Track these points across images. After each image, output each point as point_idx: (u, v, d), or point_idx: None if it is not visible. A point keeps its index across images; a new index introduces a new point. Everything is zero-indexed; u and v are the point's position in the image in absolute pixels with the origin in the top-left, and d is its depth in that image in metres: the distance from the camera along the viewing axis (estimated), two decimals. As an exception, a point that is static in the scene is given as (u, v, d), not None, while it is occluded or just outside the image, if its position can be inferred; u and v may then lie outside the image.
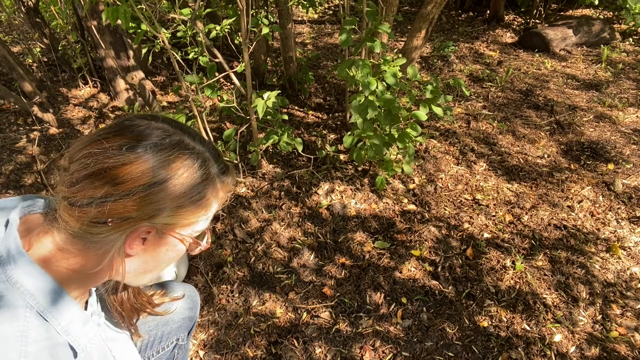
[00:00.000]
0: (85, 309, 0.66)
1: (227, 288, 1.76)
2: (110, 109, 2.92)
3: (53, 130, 2.69)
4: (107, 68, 2.80)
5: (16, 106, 2.86)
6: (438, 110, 2.00)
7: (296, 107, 2.99)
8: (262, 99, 1.85)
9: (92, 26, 2.56)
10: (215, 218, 2.07)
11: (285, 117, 2.12)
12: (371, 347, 1.52)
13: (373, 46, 1.85)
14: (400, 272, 1.79)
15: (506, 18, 4.62)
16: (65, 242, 0.55)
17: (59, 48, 3.09)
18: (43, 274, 0.53)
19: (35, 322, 0.51)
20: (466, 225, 2.04)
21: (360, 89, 1.86)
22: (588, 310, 1.65)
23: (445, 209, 2.14)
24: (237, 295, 1.74)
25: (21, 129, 2.76)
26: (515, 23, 4.55)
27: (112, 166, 0.51)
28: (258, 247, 1.93)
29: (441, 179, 2.34)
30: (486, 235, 1.98)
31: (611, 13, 4.56)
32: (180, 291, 0.98)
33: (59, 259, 0.55)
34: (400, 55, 2.00)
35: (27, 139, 2.66)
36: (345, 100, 2.77)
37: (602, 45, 3.94)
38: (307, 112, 2.95)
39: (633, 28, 4.18)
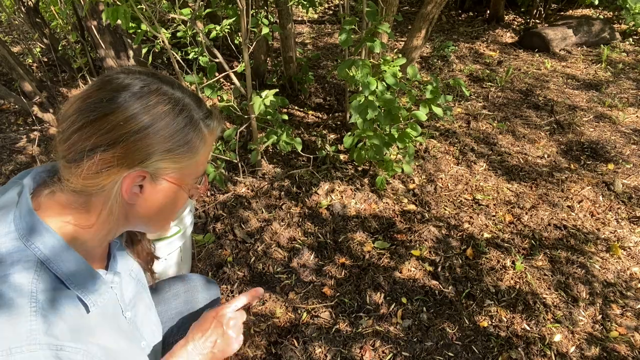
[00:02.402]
0: (106, 268, 0.70)
1: (227, 288, 1.76)
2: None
3: (53, 130, 2.69)
4: (107, 68, 2.80)
5: (16, 106, 2.86)
6: (438, 111, 2.00)
7: (296, 107, 2.99)
8: (261, 97, 1.85)
9: (92, 26, 2.56)
10: (215, 218, 2.07)
11: (285, 117, 2.12)
12: (371, 347, 1.52)
13: (373, 46, 1.85)
14: (400, 272, 1.79)
15: (506, 18, 4.62)
16: (68, 199, 0.59)
17: (59, 48, 3.09)
18: (50, 231, 0.57)
19: (44, 275, 0.55)
20: (466, 225, 2.04)
21: (360, 89, 1.86)
22: (588, 310, 1.65)
23: (445, 209, 2.14)
24: (237, 295, 1.74)
25: (21, 129, 2.76)
26: (515, 23, 4.55)
27: (95, 118, 0.55)
28: (258, 247, 1.93)
29: (441, 179, 2.34)
30: (486, 235, 1.98)
31: (611, 13, 4.56)
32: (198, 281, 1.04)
33: (65, 217, 0.59)
34: (400, 55, 2.00)
35: (27, 139, 2.66)
36: (345, 100, 2.77)
37: (602, 45, 3.94)
38: (307, 112, 2.95)
39: (633, 28, 4.18)
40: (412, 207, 2.16)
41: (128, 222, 0.64)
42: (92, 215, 0.60)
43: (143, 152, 0.57)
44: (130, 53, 2.78)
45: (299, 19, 4.75)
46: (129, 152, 0.56)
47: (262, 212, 2.12)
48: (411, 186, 2.29)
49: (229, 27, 2.09)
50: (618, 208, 2.14)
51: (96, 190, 0.57)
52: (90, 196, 0.58)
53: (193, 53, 2.24)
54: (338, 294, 1.71)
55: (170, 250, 1.59)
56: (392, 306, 1.66)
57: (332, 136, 2.66)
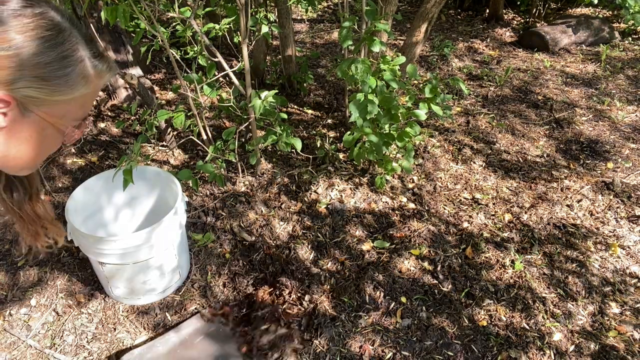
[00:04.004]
0: None
1: (226, 287, 1.77)
2: (109, 108, 2.92)
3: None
4: (105, 67, 2.79)
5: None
6: (437, 110, 2.00)
7: (295, 106, 2.99)
8: (260, 98, 1.85)
9: (91, 25, 2.55)
10: (215, 216, 2.07)
11: (285, 116, 2.12)
12: (371, 346, 1.52)
13: (372, 45, 1.85)
14: (400, 271, 1.80)
15: (505, 17, 4.62)
16: None
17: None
18: None
19: None
20: (465, 224, 2.04)
21: (360, 87, 1.86)
22: (587, 309, 1.66)
23: (444, 208, 2.14)
24: (236, 294, 1.74)
25: (20, 128, 2.75)
26: (515, 22, 4.55)
27: None
28: (257, 245, 1.93)
29: (440, 178, 2.34)
30: (485, 234, 1.98)
31: (610, 12, 4.56)
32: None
33: None
34: (399, 54, 2.00)
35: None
36: (344, 99, 2.77)
37: (601, 44, 3.94)
38: (306, 111, 2.95)
39: (632, 27, 4.18)
40: (411, 206, 2.16)
41: None
42: None
43: (10, 73, 0.51)
44: (129, 52, 2.78)
45: (298, 17, 4.74)
46: None
47: (261, 211, 2.12)
48: (410, 185, 2.29)
49: (228, 26, 2.08)
50: (617, 207, 2.14)
51: None
52: None
53: (192, 52, 2.23)
54: (338, 293, 1.71)
55: (167, 245, 1.59)
56: (392, 305, 1.66)
57: (332, 135, 2.66)
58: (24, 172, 0.66)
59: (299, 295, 1.70)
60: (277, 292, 1.69)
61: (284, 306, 1.64)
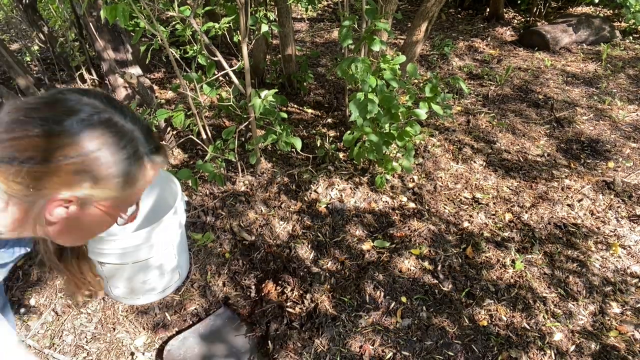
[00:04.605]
0: None
1: (225, 285, 1.76)
2: (109, 108, 2.91)
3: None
4: (105, 66, 2.79)
5: (14, 105, 2.85)
6: (437, 109, 1.99)
7: (295, 105, 2.98)
8: (260, 97, 1.85)
9: (91, 24, 2.54)
10: (214, 216, 2.06)
11: (285, 115, 2.11)
12: (371, 346, 1.52)
13: (372, 44, 1.84)
14: (400, 271, 1.79)
15: (506, 16, 4.61)
16: None
17: (57, 46, 3.07)
18: None
19: None
20: (466, 223, 2.04)
21: (360, 86, 1.85)
22: (588, 309, 1.65)
23: (444, 208, 2.13)
24: (235, 293, 1.73)
25: (19, 127, 2.75)
26: (515, 21, 4.54)
27: (37, 134, 0.54)
28: (257, 245, 1.92)
29: (441, 177, 2.34)
30: (486, 233, 1.98)
31: (611, 11, 4.55)
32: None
33: None
34: (399, 53, 1.99)
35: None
36: (344, 98, 2.76)
37: (602, 43, 3.94)
38: (306, 110, 2.94)
39: (633, 26, 4.17)
40: (411, 205, 2.15)
41: (42, 232, 0.62)
42: (11, 216, 0.58)
43: (76, 178, 0.55)
44: (129, 51, 2.77)
45: (298, 17, 4.73)
46: (61, 175, 0.54)
47: (261, 210, 2.11)
48: (411, 185, 2.29)
49: (227, 25, 2.08)
50: (618, 206, 2.13)
51: (20, 197, 0.56)
52: (11, 198, 0.56)
53: (192, 51, 2.22)
54: (338, 292, 1.71)
55: (167, 244, 1.59)
56: (392, 305, 1.66)
57: (332, 134, 2.66)
58: (76, 245, 0.73)
59: (300, 292, 1.69)
60: (280, 290, 1.69)
61: (287, 304, 1.64)
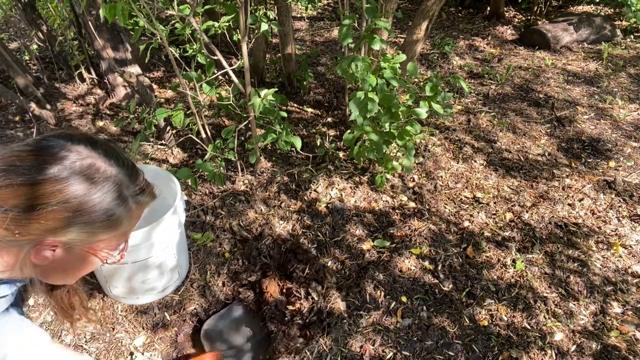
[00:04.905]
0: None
1: (225, 285, 1.76)
2: (108, 106, 2.90)
3: (51, 128, 2.68)
4: (104, 65, 2.78)
5: (13, 103, 2.84)
6: (438, 108, 1.98)
7: (295, 105, 2.97)
8: (260, 96, 1.84)
9: (90, 23, 2.54)
10: (214, 215, 2.05)
11: (284, 114, 2.11)
12: (371, 346, 1.52)
13: (372, 43, 1.83)
14: (400, 271, 1.78)
15: (506, 15, 4.60)
16: None
17: (56, 45, 3.06)
18: None
19: None
20: (466, 223, 2.03)
21: (360, 85, 1.84)
22: (589, 309, 1.65)
23: (445, 207, 2.13)
24: (234, 293, 1.73)
25: (18, 126, 2.74)
26: (516, 20, 4.52)
27: (21, 183, 0.55)
28: (256, 244, 1.92)
29: (441, 177, 2.33)
30: (486, 233, 1.97)
31: (612, 10, 4.54)
32: None
33: None
34: (400, 52, 1.99)
35: (24, 136, 2.64)
36: (344, 97, 2.75)
37: (603, 42, 3.92)
38: (306, 109, 2.94)
39: (634, 25, 4.16)
40: (412, 205, 2.15)
41: (30, 274, 0.63)
42: (0, 260, 0.59)
43: (61, 224, 0.56)
44: (128, 50, 2.76)
45: (298, 15, 4.72)
46: (45, 222, 0.55)
47: (261, 209, 2.11)
48: (411, 184, 2.28)
49: (227, 24, 2.07)
50: (619, 206, 2.13)
51: (5, 242, 0.57)
52: (0, 243, 0.57)
53: (191, 50, 2.21)
54: (337, 292, 1.70)
55: (166, 244, 1.58)
56: (392, 305, 1.65)
57: (332, 133, 2.65)
58: (66, 284, 0.73)
59: (301, 292, 1.69)
60: (281, 289, 1.69)
61: (292, 299, 1.64)
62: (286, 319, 1.59)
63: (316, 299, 1.65)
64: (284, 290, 1.70)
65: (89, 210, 0.57)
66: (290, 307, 1.63)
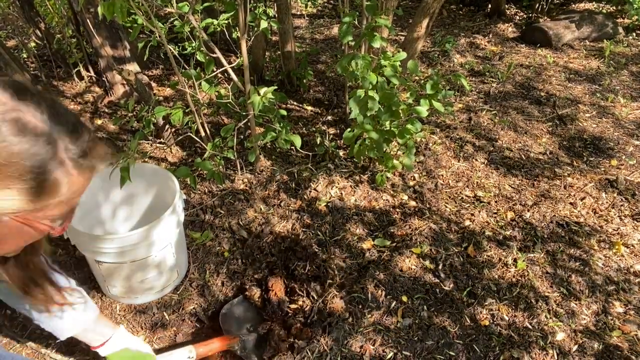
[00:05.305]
0: None
1: (224, 285, 1.74)
2: (106, 104, 2.89)
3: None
4: (102, 63, 2.76)
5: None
6: (439, 106, 1.97)
7: (295, 103, 2.96)
8: (259, 94, 1.82)
9: (88, 20, 2.52)
10: (213, 214, 2.04)
11: (284, 112, 2.09)
12: (371, 346, 1.50)
13: (373, 41, 1.82)
14: (401, 270, 1.77)
15: (508, 12, 4.57)
16: None
17: (54, 43, 3.05)
18: None
19: None
20: (467, 222, 2.02)
21: (360, 83, 1.83)
22: (590, 308, 1.64)
23: (446, 206, 2.11)
24: (234, 292, 1.72)
25: (17, 125, 2.73)
26: (517, 17, 4.50)
27: None
28: (256, 244, 1.91)
29: (442, 175, 2.32)
30: (487, 232, 1.96)
31: (614, 7, 4.51)
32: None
33: None
34: (400, 50, 1.97)
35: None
36: (344, 95, 2.74)
37: (605, 40, 3.90)
38: (306, 107, 2.92)
39: (636, 22, 4.13)
40: (412, 204, 2.13)
41: None
42: None
43: None
44: (127, 47, 2.74)
45: (298, 13, 4.70)
46: None
47: (260, 208, 2.09)
48: (411, 183, 2.27)
49: (226, 21, 2.05)
50: (621, 205, 2.11)
51: None
52: None
53: (190, 48, 2.20)
54: (337, 291, 1.69)
55: (165, 243, 1.57)
56: (393, 304, 1.64)
57: (332, 132, 2.63)
58: (10, 255, 0.65)
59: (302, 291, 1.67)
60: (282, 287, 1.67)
61: (295, 297, 1.63)
62: (289, 318, 1.57)
63: (316, 297, 1.64)
64: (289, 289, 1.69)
65: (12, 173, 0.48)
66: (292, 306, 1.61)
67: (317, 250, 1.86)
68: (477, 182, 2.26)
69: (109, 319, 1.27)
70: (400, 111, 1.96)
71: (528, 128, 2.71)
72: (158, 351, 1.46)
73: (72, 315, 1.10)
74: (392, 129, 2.03)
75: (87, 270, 1.76)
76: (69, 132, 0.53)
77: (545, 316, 1.60)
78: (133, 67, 2.77)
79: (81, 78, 3.12)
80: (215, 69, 2.04)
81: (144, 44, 2.08)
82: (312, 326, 1.56)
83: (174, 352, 1.40)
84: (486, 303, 1.65)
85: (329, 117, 2.79)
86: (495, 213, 2.07)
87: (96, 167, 0.57)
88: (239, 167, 2.27)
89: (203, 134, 2.23)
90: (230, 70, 1.91)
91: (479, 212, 2.07)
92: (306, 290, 1.68)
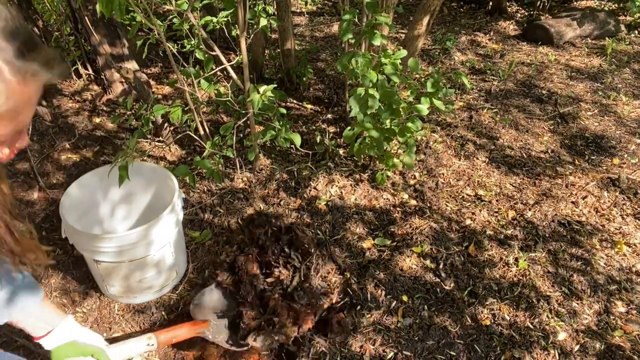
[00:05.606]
0: None
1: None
2: (105, 103, 2.87)
3: (46, 124, 2.65)
4: (101, 61, 2.75)
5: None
6: (439, 104, 1.95)
7: (295, 101, 2.94)
8: (259, 92, 1.81)
9: (86, 18, 2.50)
10: (212, 213, 2.03)
11: (284, 110, 2.08)
12: (372, 346, 1.50)
13: (373, 38, 1.80)
14: (401, 269, 1.76)
15: (509, 10, 4.55)
16: None
17: (52, 40, 3.03)
18: None
19: None
20: (468, 221, 2.00)
21: (361, 81, 1.81)
22: (592, 308, 1.63)
23: (446, 205, 2.10)
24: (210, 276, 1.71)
25: (15, 123, 2.71)
26: (518, 15, 4.48)
27: None
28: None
29: (442, 174, 2.30)
30: (488, 231, 1.95)
31: (616, 5, 4.49)
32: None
33: None
34: (401, 48, 1.95)
35: (22, 134, 2.62)
36: (344, 93, 2.72)
37: (607, 38, 3.88)
38: (305, 105, 2.90)
39: (638, 20, 4.11)
40: (413, 202, 2.12)
41: None
42: None
43: None
44: (125, 45, 2.73)
45: (298, 10, 4.68)
46: None
47: (260, 207, 2.08)
48: (412, 182, 2.25)
49: (225, 19, 2.03)
50: (623, 204, 2.10)
51: None
52: None
53: (189, 46, 2.18)
54: (337, 291, 1.68)
55: (164, 242, 1.56)
56: (393, 304, 1.63)
57: (332, 130, 2.62)
58: None
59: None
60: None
61: (270, 270, 1.60)
62: (266, 293, 1.52)
63: (297, 266, 1.61)
64: (263, 266, 1.63)
65: None
66: (268, 280, 1.57)
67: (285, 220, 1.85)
68: (478, 181, 2.25)
69: (56, 306, 1.08)
70: (400, 109, 1.95)
71: (529, 126, 2.69)
72: (114, 340, 1.40)
73: (15, 292, 0.91)
74: (392, 127, 2.02)
75: (85, 270, 1.75)
76: (7, 32, 0.47)
77: (547, 316, 1.59)
78: (132, 65, 2.75)
79: (79, 76, 3.10)
80: (214, 67, 2.02)
81: (143, 42, 2.07)
82: (294, 293, 1.52)
83: (128, 342, 1.26)
84: (487, 303, 1.64)
85: (329, 116, 2.77)
86: (497, 212, 2.06)
87: (40, 74, 0.49)
88: (238, 166, 2.26)
89: (202, 132, 2.22)
90: (229, 68, 1.90)
91: (480, 211, 2.06)
92: (285, 260, 1.64)
